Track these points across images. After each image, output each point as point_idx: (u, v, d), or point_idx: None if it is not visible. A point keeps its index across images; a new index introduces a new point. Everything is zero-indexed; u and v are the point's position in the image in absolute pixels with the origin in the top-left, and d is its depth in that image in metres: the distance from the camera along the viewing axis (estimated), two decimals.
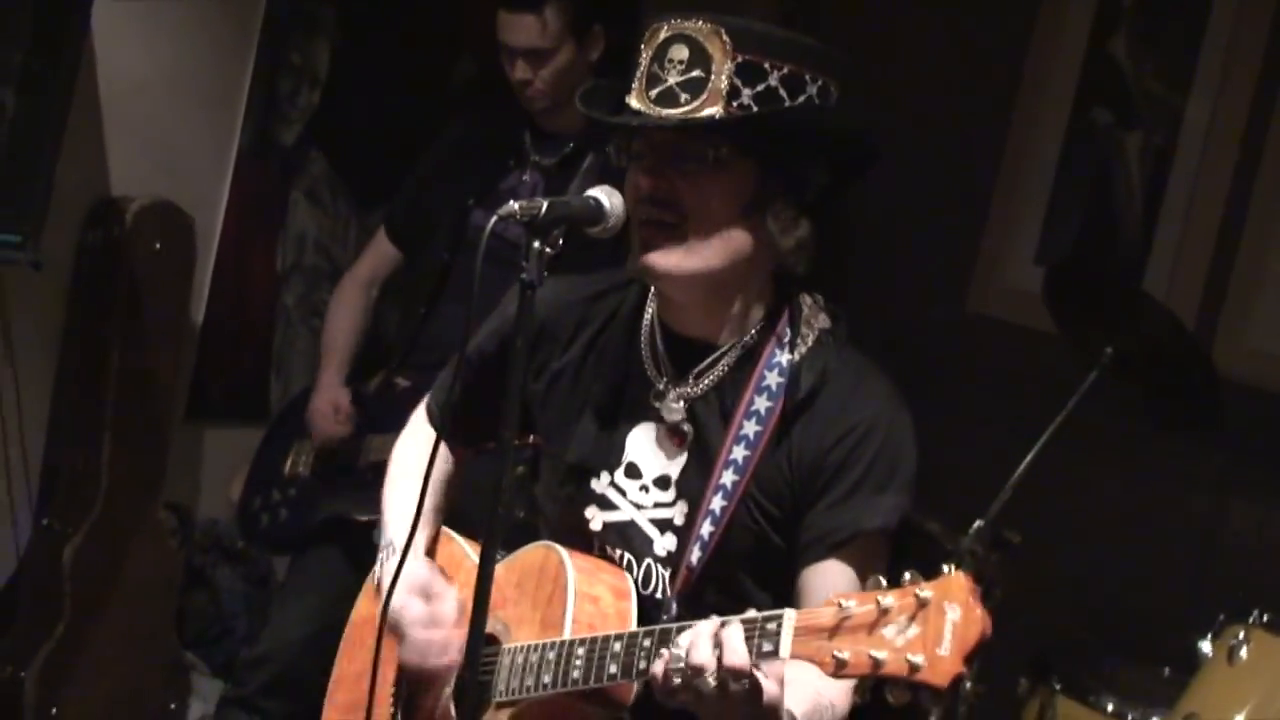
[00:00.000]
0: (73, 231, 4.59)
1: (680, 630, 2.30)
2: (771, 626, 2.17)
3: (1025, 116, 5.01)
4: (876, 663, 2.05)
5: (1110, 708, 3.82)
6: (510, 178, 4.21)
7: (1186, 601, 4.20)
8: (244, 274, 5.14)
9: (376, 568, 2.85)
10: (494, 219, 2.38)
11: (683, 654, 2.24)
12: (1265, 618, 3.56)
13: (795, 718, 2.33)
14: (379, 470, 4.21)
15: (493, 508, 2.36)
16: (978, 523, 3.70)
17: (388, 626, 2.67)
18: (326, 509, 4.30)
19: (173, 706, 4.79)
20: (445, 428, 2.71)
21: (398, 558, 2.61)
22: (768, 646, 2.17)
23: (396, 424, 4.26)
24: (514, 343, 2.39)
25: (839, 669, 2.09)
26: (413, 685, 2.75)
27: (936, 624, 2.02)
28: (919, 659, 2.02)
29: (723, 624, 2.23)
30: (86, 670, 4.55)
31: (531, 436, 2.87)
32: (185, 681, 4.86)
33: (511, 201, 2.39)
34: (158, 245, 4.64)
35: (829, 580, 2.48)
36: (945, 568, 2.08)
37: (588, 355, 2.72)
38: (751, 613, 2.22)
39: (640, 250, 2.53)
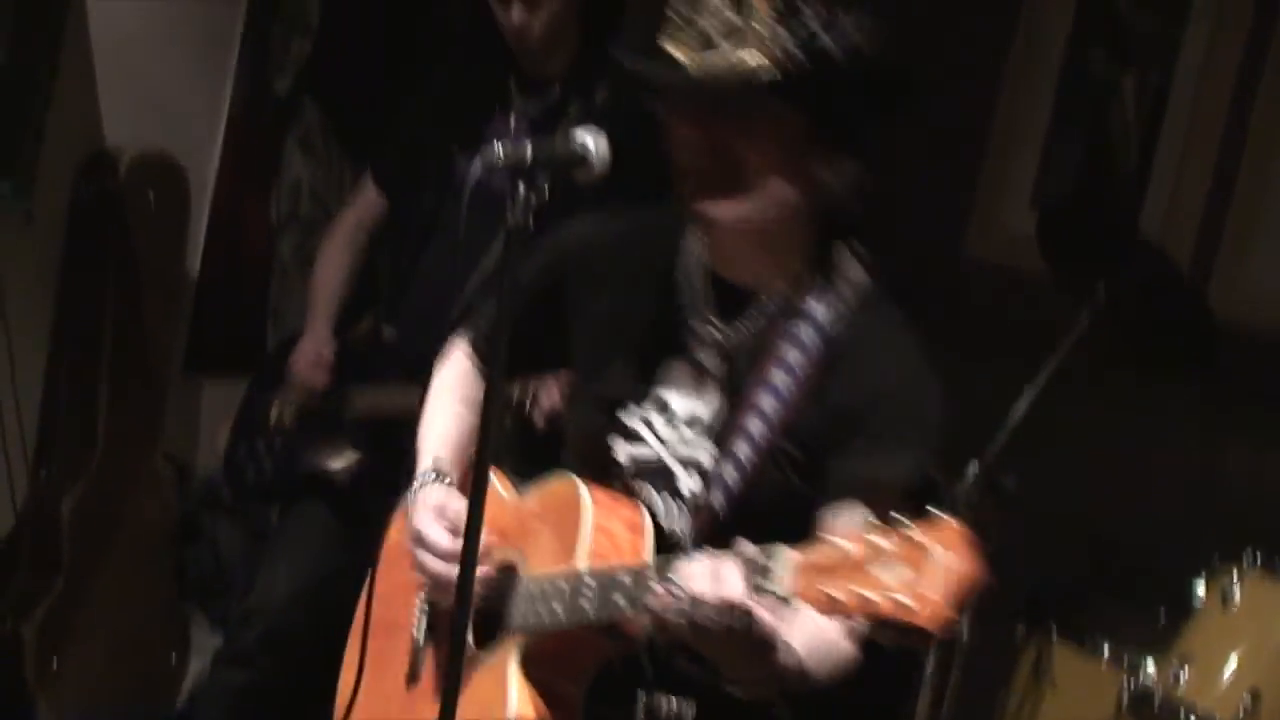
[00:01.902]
0: (66, 184, 4.60)
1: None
2: (769, 563, 2.18)
3: (1020, 57, 4.99)
4: (868, 603, 2.05)
5: (1106, 651, 3.82)
6: (497, 126, 4.15)
7: (1182, 545, 4.20)
8: (239, 225, 5.14)
9: (410, 492, 2.82)
10: (477, 163, 2.37)
11: (681, 585, 2.25)
12: (1258, 559, 3.57)
13: (795, 650, 2.33)
14: (363, 424, 4.21)
15: (481, 441, 2.36)
16: (973, 467, 3.70)
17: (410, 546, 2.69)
18: (308, 463, 4.28)
19: (173, 660, 4.81)
20: (497, 359, 2.73)
21: (430, 483, 2.69)
22: (764, 583, 2.18)
23: (380, 376, 4.22)
24: (502, 289, 2.39)
25: (831, 607, 2.09)
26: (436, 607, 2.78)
27: (930, 569, 2.03)
28: (911, 602, 2.02)
29: (721, 559, 2.24)
30: (86, 623, 4.57)
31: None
32: (185, 635, 4.87)
33: (495, 144, 2.38)
34: (152, 197, 4.64)
35: (844, 525, 2.49)
36: (938, 513, 2.08)
37: (629, 290, 2.72)
38: (749, 549, 2.23)
39: (692, 198, 2.53)
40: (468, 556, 2.36)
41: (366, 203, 4.47)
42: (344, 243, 4.47)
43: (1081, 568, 4.32)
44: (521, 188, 2.35)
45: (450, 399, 2.94)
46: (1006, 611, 3.98)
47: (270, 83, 5.07)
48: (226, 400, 4.98)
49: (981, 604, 3.76)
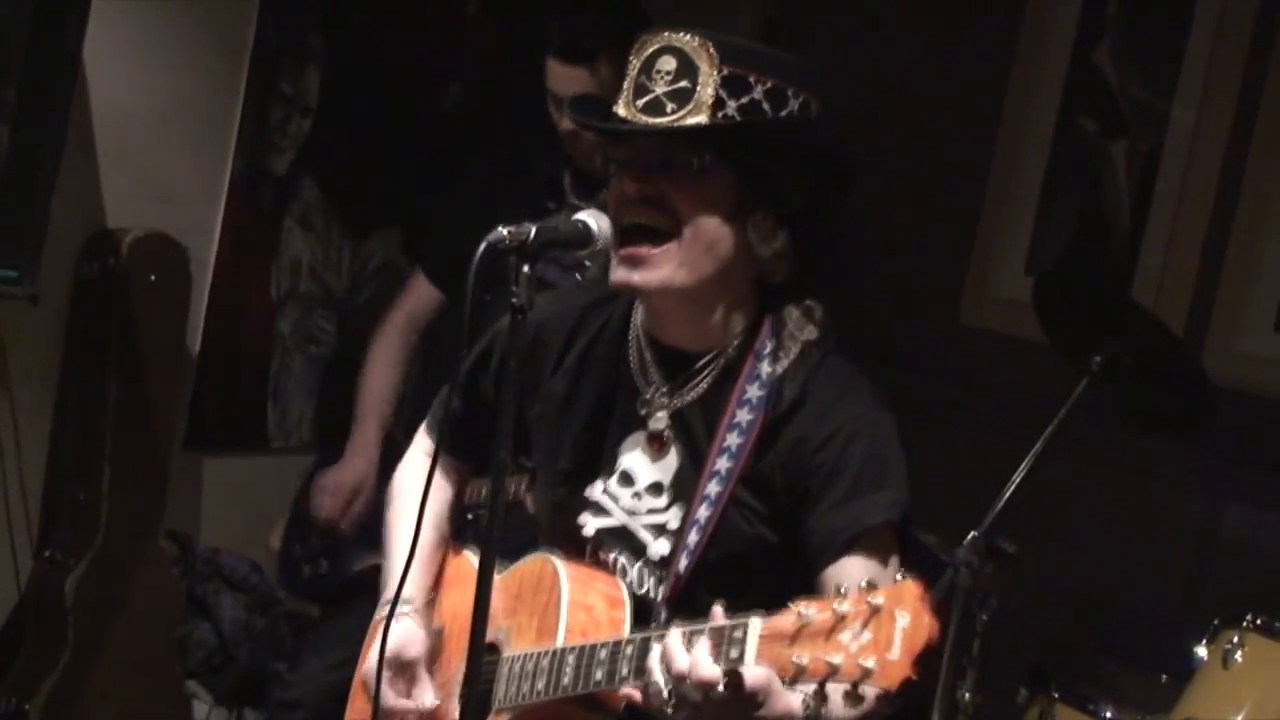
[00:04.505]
0: (69, 264, 4.61)
1: (659, 638, 2.37)
2: (738, 634, 2.26)
3: (1012, 127, 5.04)
4: (831, 667, 2.15)
5: (1109, 715, 3.83)
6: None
7: (1182, 607, 4.22)
8: (239, 302, 5.15)
9: (378, 611, 2.89)
10: (483, 245, 2.41)
11: (658, 673, 2.32)
12: (1259, 621, 3.58)
13: (785, 696, 2.34)
14: None
15: (488, 526, 2.40)
16: (972, 533, 3.71)
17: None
18: (360, 561, 4.25)
19: None
20: (444, 442, 2.81)
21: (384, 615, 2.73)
22: (734, 654, 2.26)
23: None
24: (506, 365, 2.46)
25: (798, 674, 2.19)
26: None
27: (887, 630, 2.12)
28: (870, 663, 2.12)
29: (692, 634, 2.31)
30: (90, 701, 4.56)
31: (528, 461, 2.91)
32: (188, 712, 4.86)
33: (500, 227, 2.43)
34: (153, 276, 4.65)
35: (849, 576, 2.53)
36: (898, 576, 2.18)
37: (580, 367, 2.79)
38: (719, 620, 2.30)
39: (627, 264, 2.59)
40: (474, 645, 2.39)
41: (418, 299, 4.41)
42: (394, 343, 4.40)
43: (1082, 631, 4.33)
44: (526, 267, 2.41)
45: (412, 501, 2.95)
46: (1009, 674, 4.00)
47: (269, 162, 5.10)
48: (227, 477, 5.02)
49: (984, 667, 3.80)
